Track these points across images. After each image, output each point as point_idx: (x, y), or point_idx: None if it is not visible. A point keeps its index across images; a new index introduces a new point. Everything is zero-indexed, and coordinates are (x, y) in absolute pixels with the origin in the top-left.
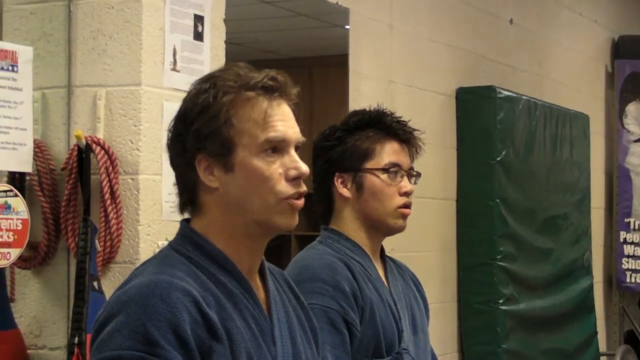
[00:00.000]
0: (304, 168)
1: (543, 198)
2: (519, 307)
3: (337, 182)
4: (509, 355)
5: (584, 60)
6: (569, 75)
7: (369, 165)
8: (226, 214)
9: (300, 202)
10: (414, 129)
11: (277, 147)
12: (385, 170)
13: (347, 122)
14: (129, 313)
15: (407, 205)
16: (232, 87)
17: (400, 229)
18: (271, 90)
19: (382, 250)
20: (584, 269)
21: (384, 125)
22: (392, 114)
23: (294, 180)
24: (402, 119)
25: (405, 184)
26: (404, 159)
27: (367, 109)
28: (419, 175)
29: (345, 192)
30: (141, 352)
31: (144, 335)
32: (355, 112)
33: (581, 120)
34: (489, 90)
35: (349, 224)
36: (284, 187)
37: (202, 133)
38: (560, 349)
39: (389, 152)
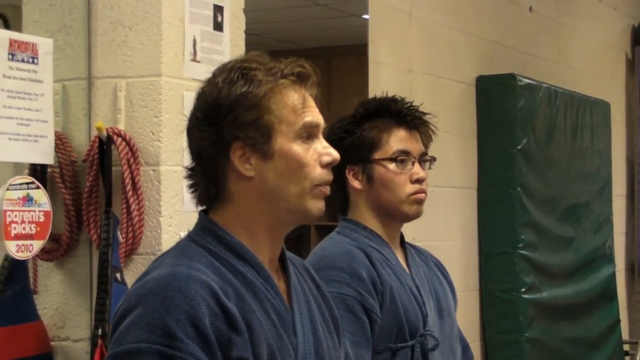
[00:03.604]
0: (336, 154)
1: (564, 186)
2: (541, 296)
3: (349, 175)
4: (531, 344)
5: (604, 47)
6: (589, 63)
7: (377, 155)
8: (258, 202)
9: (329, 189)
10: (424, 113)
11: (310, 134)
12: (392, 159)
13: (355, 113)
14: (147, 306)
15: (420, 192)
16: (267, 76)
17: (416, 215)
18: (303, 78)
19: (402, 238)
20: (605, 257)
21: (389, 112)
22: (400, 100)
23: (327, 166)
24: (411, 104)
25: (417, 171)
26: (413, 146)
27: (375, 98)
28: (433, 160)
29: (356, 184)
30: (159, 345)
31: (163, 328)
32: (363, 102)
33: (602, 108)
34: (509, 78)
35: (365, 214)
36: (319, 174)
37: (241, 121)
38: (582, 337)
39: (396, 140)
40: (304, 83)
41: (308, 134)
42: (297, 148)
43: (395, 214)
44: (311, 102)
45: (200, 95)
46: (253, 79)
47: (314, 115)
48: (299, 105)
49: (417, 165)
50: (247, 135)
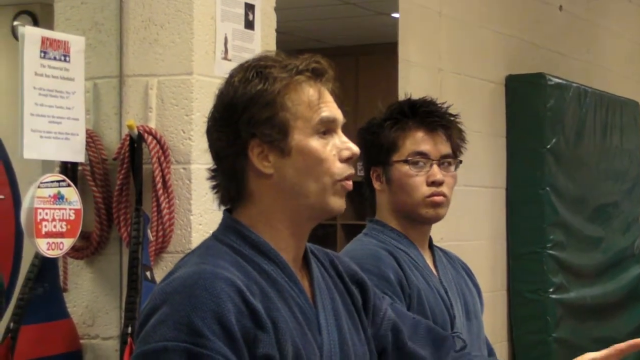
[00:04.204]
0: (355, 148)
1: (593, 186)
2: (569, 296)
3: (373, 177)
4: (559, 344)
5: (633, 46)
6: (618, 62)
7: (395, 157)
8: (279, 199)
9: (351, 183)
10: (449, 114)
11: (328, 129)
12: (406, 161)
13: (381, 115)
14: (173, 304)
15: (435, 194)
16: (282, 73)
17: (433, 219)
18: (319, 74)
19: (431, 240)
20: (634, 257)
21: (409, 114)
22: (422, 100)
23: (347, 160)
24: (436, 104)
25: (435, 173)
26: (432, 147)
27: (400, 100)
28: (454, 161)
29: (378, 185)
30: (186, 343)
31: (189, 326)
32: (390, 104)
33: (631, 107)
34: (539, 78)
35: (388, 216)
36: (339, 169)
37: (257, 119)
38: (610, 337)
39: (412, 142)
40: (320, 78)
41: (325, 129)
42: (315, 143)
43: (413, 217)
44: (328, 98)
45: (218, 96)
46: (268, 76)
47: (331, 111)
48: (315, 101)
49: (435, 167)
50: (264, 132)
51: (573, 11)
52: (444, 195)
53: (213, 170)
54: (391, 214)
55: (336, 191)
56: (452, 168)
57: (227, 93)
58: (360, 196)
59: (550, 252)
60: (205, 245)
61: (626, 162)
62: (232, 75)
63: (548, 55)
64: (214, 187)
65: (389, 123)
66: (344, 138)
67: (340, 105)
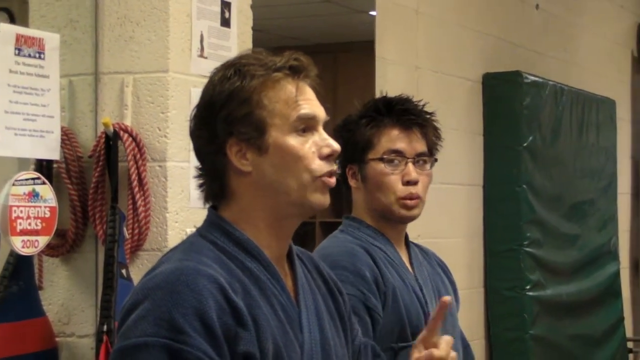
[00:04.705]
0: (336, 145)
1: (570, 184)
2: (546, 293)
3: (349, 174)
4: (535, 341)
5: (610, 45)
6: (595, 60)
7: (371, 155)
8: (259, 197)
9: (333, 180)
10: (425, 112)
11: (307, 126)
12: (382, 159)
13: (357, 113)
14: (154, 300)
15: (409, 197)
16: (259, 70)
17: (407, 219)
18: (297, 71)
19: (407, 237)
20: (610, 255)
21: (385, 111)
22: (398, 98)
23: (327, 157)
24: (412, 102)
25: (410, 171)
26: (407, 145)
27: (376, 98)
28: (430, 160)
29: (354, 183)
30: (167, 339)
31: (170, 322)
32: (366, 102)
33: (607, 106)
34: (516, 76)
35: (364, 214)
36: (319, 165)
37: (233, 117)
38: (586, 334)
39: (387, 140)
40: (298, 75)
41: (305, 126)
42: (293, 141)
43: (387, 215)
44: (309, 95)
45: (200, 95)
46: (246, 74)
47: (310, 108)
48: (293, 98)
49: (410, 165)
50: (240, 130)
51: (550, 9)
52: (417, 197)
53: (199, 169)
54: (367, 212)
55: (316, 188)
56: (428, 166)
57: (207, 91)
58: (339, 194)
59: (527, 249)
60: (189, 242)
61: (602, 160)
62: (214, 73)
63: (525, 53)
64: (200, 185)
65: (365, 121)
66: (325, 135)
67: (323, 102)
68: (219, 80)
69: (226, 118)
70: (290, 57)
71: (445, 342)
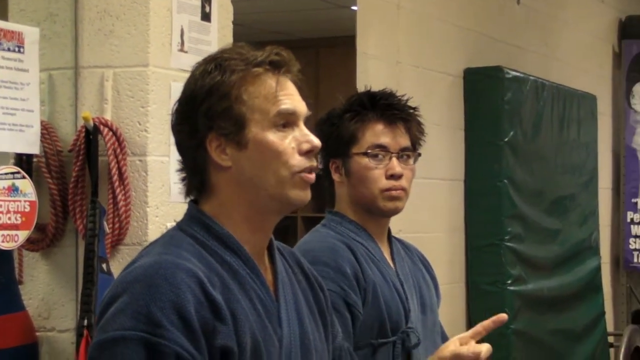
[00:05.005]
0: (316, 141)
1: (551, 179)
2: (527, 288)
3: (332, 168)
4: (517, 336)
5: (591, 40)
6: (576, 56)
7: (355, 149)
8: (239, 192)
9: (313, 176)
10: (408, 107)
11: (287, 122)
12: (366, 153)
13: (341, 107)
14: (133, 293)
15: (393, 188)
16: (240, 65)
17: (391, 212)
18: (278, 66)
19: (389, 233)
20: (591, 250)
21: (369, 106)
22: (382, 93)
23: (307, 153)
24: (394, 97)
25: (394, 166)
26: (391, 140)
27: (360, 92)
28: (413, 154)
29: (337, 177)
30: (144, 332)
31: (147, 316)
32: (350, 96)
33: (588, 101)
34: (497, 71)
35: (347, 208)
36: (298, 161)
37: (213, 112)
38: (567, 329)
39: (372, 134)
40: (279, 70)
41: (285, 121)
42: (272, 137)
43: (371, 209)
44: (290, 90)
45: (182, 89)
46: (226, 68)
47: (291, 103)
48: (273, 94)
49: (394, 160)
50: (220, 125)
51: (531, 4)
52: (402, 188)
53: (180, 162)
54: (350, 206)
55: (295, 183)
56: (411, 161)
57: (189, 85)
58: (320, 188)
59: (508, 244)
60: (168, 235)
61: (583, 155)
62: (195, 67)
63: (506, 48)
64: (182, 180)
65: (349, 115)
66: (305, 131)
67: (305, 97)
68: (200, 75)
69: (206, 113)
70: (271, 52)
71: (486, 348)
